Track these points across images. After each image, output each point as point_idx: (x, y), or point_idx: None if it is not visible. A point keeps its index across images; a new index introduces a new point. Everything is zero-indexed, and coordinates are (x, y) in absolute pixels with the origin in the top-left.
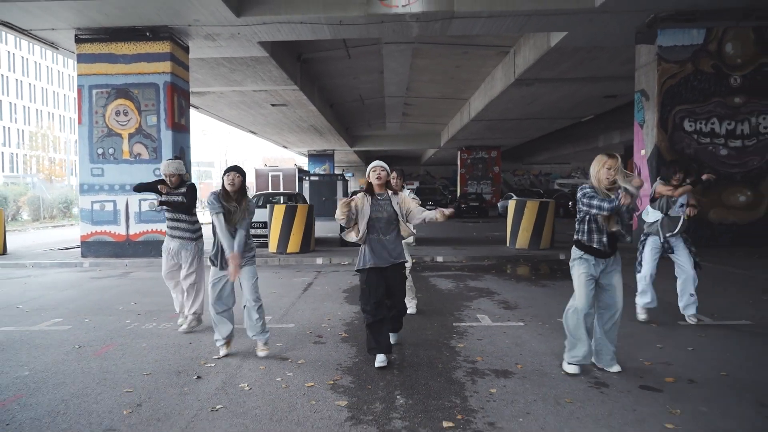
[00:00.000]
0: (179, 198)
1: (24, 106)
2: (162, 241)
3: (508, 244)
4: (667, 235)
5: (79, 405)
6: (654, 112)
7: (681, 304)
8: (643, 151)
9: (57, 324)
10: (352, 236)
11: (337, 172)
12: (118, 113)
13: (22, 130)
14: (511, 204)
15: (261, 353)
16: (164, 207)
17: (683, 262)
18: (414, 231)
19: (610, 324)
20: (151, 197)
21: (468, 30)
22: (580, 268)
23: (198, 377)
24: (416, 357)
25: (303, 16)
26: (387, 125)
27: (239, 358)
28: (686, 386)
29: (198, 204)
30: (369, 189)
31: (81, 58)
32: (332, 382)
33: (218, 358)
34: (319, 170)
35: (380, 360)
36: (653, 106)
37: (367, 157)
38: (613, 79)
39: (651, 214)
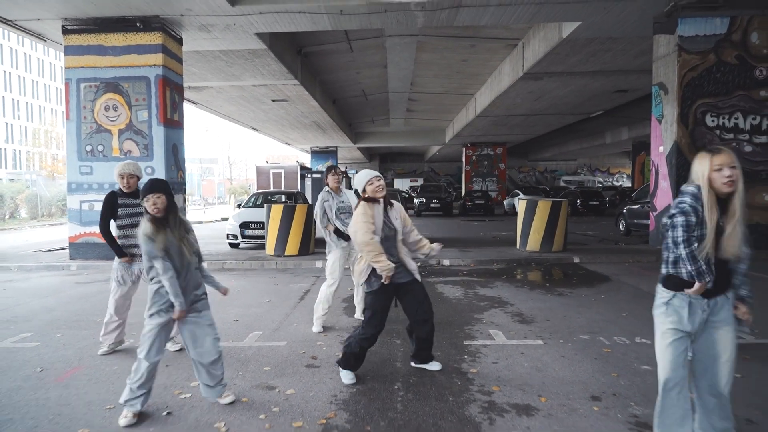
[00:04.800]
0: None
1: (27, 103)
2: None
3: (518, 246)
4: None
5: None
6: (674, 106)
7: None
8: (661, 148)
9: (25, 340)
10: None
11: (340, 169)
12: (107, 108)
13: (25, 127)
14: (522, 204)
15: (227, 401)
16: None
17: None
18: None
19: (720, 410)
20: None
21: (476, 20)
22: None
23: (168, 413)
24: (423, 386)
25: (301, 5)
26: (391, 121)
27: None
28: (744, 427)
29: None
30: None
31: (68, 50)
32: (324, 422)
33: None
34: (321, 167)
35: (349, 379)
36: (673, 100)
37: (370, 154)
38: (625, 72)
39: None
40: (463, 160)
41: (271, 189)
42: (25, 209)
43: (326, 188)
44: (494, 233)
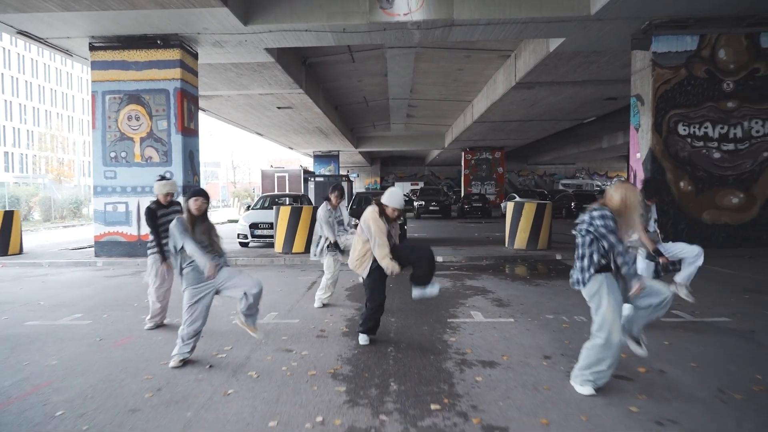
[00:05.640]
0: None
1: (33, 107)
2: None
3: (506, 245)
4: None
5: (106, 389)
6: (649, 116)
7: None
8: (638, 155)
9: (78, 319)
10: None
11: (342, 172)
12: (130, 118)
13: (32, 131)
14: (510, 205)
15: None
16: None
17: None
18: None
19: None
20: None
21: (468, 36)
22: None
23: (210, 366)
24: (411, 349)
25: (307, 24)
26: (391, 126)
27: (248, 349)
28: (656, 376)
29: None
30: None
31: (95, 65)
32: (333, 371)
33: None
34: (324, 171)
35: (364, 339)
36: (648, 110)
37: (371, 158)
38: (613, 82)
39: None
40: (462, 164)
41: (276, 192)
42: (38, 212)
43: (326, 205)
44: (488, 234)
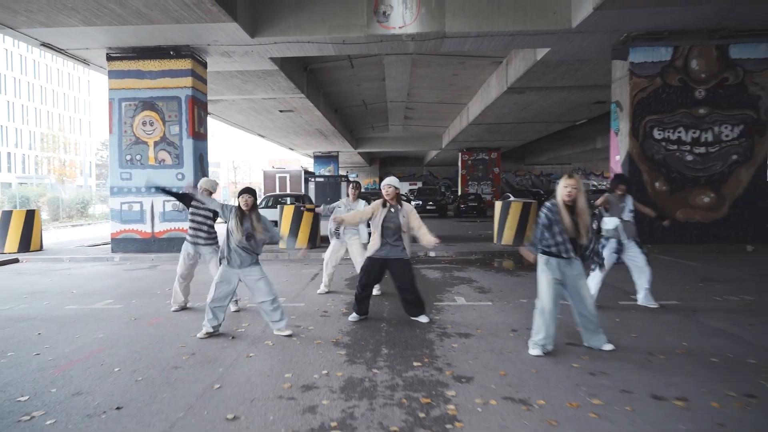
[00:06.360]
0: (210, 211)
1: (35, 108)
2: (184, 239)
3: (495, 241)
4: (626, 239)
5: (149, 354)
6: (627, 121)
7: (640, 296)
8: (617, 157)
9: (110, 304)
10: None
11: (341, 173)
12: (144, 123)
13: (34, 132)
14: (498, 205)
15: (287, 333)
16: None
17: (639, 261)
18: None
19: (592, 323)
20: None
21: (459, 47)
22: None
23: (233, 338)
24: (400, 325)
25: (310, 37)
26: (390, 128)
27: (263, 326)
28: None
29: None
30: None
31: (112, 74)
32: (335, 340)
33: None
34: (324, 171)
35: (353, 317)
36: (626, 116)
37: (370, 158)
38: (599, 87)
39: (609, 222)
40: (459, 164)
41: (277, 192)
42: (46, 211)
43: (346, 197)
44: (480, 232)
